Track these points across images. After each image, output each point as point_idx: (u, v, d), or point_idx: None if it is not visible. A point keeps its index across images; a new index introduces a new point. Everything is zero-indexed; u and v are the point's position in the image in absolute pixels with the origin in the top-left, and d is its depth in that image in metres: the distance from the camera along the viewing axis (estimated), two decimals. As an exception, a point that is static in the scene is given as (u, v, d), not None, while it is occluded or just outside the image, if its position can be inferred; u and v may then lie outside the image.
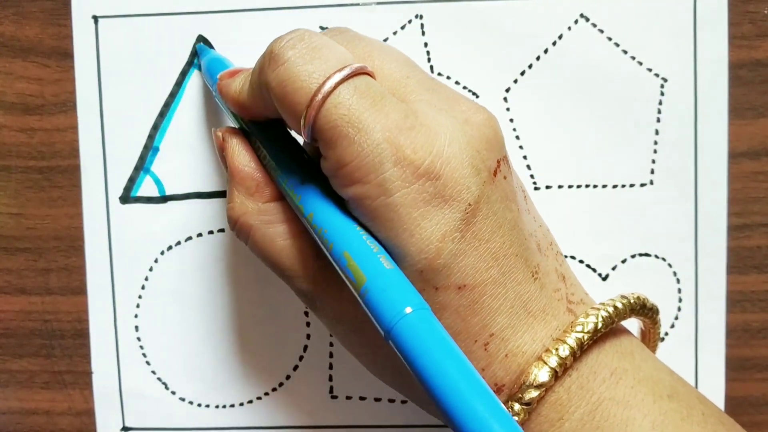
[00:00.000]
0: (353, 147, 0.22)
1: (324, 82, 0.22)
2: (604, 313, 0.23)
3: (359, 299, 0.21)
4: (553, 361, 0.22)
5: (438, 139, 0.22)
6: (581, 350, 0.23)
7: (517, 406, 0.22)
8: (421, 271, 0.22)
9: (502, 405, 0.19)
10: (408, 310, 0.20)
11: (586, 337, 0.23)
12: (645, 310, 0.25)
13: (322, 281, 0.25)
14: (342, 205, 0.23)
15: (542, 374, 0.22)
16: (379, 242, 0.22)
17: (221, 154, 0.27)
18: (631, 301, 0.24)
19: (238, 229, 0.26)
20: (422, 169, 0.21)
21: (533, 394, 0.22)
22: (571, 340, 0.23)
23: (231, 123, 0.28)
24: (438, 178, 0.22)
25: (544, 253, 0.24)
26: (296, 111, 0.22)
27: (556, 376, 0.22)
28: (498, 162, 0.23)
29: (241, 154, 0.26)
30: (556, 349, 0.22)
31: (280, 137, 0.26)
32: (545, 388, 0.22)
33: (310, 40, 0.23)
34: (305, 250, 0.25)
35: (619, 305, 0.24)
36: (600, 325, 0.23)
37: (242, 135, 0.27)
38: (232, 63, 0.31)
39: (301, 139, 0.25)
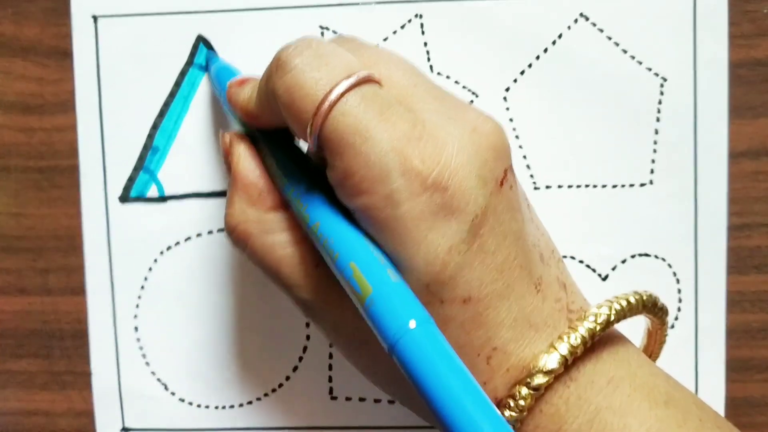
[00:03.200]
0: (360, 157, 0.21)
1: (331, 90, 0.22)
2: (617, 306, 0.23)
3: (362, 311, 0.21)
4: (564, 349, 0.22)
5: (446, 149, 0.22)
6: (592, 340, 0.23)
7: (524, 391, 0.22)
8: (427, 285, 0.22)
9: (508, 425, 0.19)
10: (412, 324, 0.20)
11: (598, 328, 0.23)
12: (656, 309, 0.25)
13: (323, 291, 0.24)
14: (348, 216, 0.23)
15: (551, 361, 0.22)
16: (385, 254, 0.22)
17: (226, 159, 0.27)
18: (644, 297, 0.24)
19: (235, 237, 0.26)
20: (430, 181, 0.21)
21: (541, 379, 0.22)
22: (583, 329, 0.22)
23: (237, 128, 0.28)
24: (446, 189, 0.21)
25: (547, 262, 0.24)
26: (303, 119, 0.22)
27: (566, 364, 0.22)
28: (505, 171, 0.23)
29: (246, 161, 0.26)
30: (568, 337, 0.22)
31: (288, 146, 0.26)
32: (554, 375, 0.22)
33: (317, 47, 0.23)
34: (305, 259, 0.25)
35: (632, 300, 0.24)
36: (612, 318, 0.23)
37: (249, 141, 0.27)
38: (240, 71, 0.30)
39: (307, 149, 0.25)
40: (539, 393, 0.22)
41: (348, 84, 0.22)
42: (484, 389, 0.22)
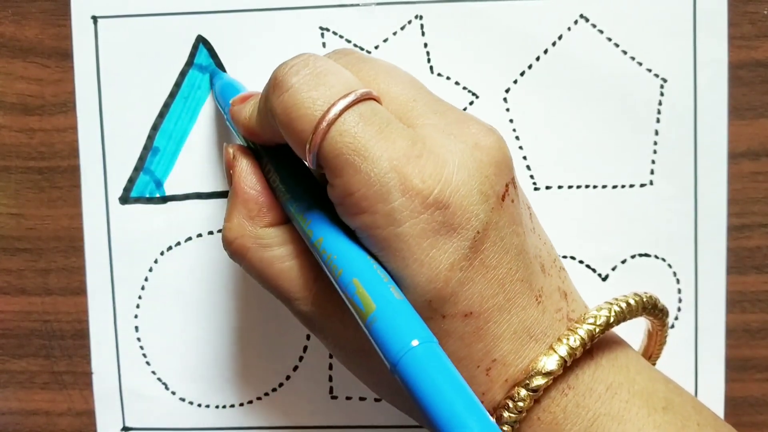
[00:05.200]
0: (359, 176, 0.21)
1: (328, 110, 0.22)
2: (617, 308, 0.23)
3: (364, 328, 0.21)
4: (563, 350, 0.22)
5: (446, 166, 0.21)
6: (591, 342, 0.23)
7: (523, 392, 0.22)
8: (429, 301, 0.22)
9: None
10: (415, 342, 0.19)
11: (597, 330, 0.23)
12: (656, 310, 0.25)
13: (323, 304, 0.24)
14: (351, 234, 0.23)
15: (550, 362, 0.22)
16: (387, 271, 0.22)
17: (228, 172, 0.27)
18: (644, 299, 0.24)
19: (233, 251, 0.26)
20: (431, 199, 0.21)
21: (540, 381, 0.22)
22: (582, 331, 0.23)
23: (241, 141, 0.28)
24: (447, 207, 0.21)
25: (548, 272, 0.24)
26: (301, 139, 0.22)
27: (565, 365, 0.22)
28: (506, 186, 0.23)
29: (248, 175, 0.26)
30: (567, 339, 0.22)
31: (291, 162, 0.26)
32: (552, 376, 0.22)
33: (314, 65, 0.23)
34: (304, 272, 0.25)
35: (632, 302, 0.24)
36: (612, 320, 0.23)
37: (253, 156, 0.27)
38: (244, 87, 0.30)
39: None
40: (537, 395, 0.22)
41: (346, 103, 0.22)
42: (483, 399, 0.23)
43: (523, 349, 0.22)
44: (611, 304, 0.24)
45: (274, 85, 0.23)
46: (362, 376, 0.26)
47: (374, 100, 0.23)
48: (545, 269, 0.24)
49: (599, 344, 0.23)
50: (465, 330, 0.22)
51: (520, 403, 0.22)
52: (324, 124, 0.21)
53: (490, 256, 0.22)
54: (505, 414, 0.22)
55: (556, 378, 0.22)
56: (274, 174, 0.26)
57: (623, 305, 0.23)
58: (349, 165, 0.21)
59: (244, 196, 0.26)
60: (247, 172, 0.26)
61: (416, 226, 0.21)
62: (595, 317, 0.23)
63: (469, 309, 0.22)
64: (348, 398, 0.34)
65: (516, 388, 0.22)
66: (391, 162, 0.21)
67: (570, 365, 0.22)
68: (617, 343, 0.25)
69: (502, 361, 0.22)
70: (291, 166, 0.26)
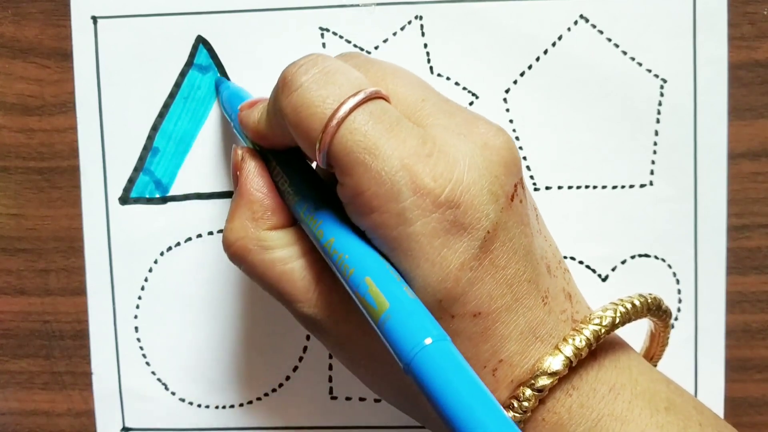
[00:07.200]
0: (370, 174, 0.21)
1: (338, 108, 0.21)
2: (622, 309, 0.23)
3: (376, 327, 0.21)
4: (568, 351, 0.22)
5: (457, 166, 0.21)
6: (597, 343, 0.23)
7: (528, 392, 0.22)
8: (440, 300, 0.22)
9: None
10: (428, 341, 0.19)
11: (603, 331, 0.23)
12: (660, 311, 0.25)
13: (327, 305, 0.24)
14: (360, 234, 0.23)
15: (556, 362, 0.22)
16: (397, 271, 0.22)
17: (234, 173, 0.27)
18: (649, 300, 0.24)
19: (233, 252, 0.25)
20: (442, 198, 0.21)
21: (545, 381, 0.22)
22: (588, 332, 0.23)
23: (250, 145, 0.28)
24: (458, 206, 0.21)
25: (554, 274, 0.24)
26: (311, 137, 0.22)
27: (570, 365, 0.22)
28: (515, 186, 0.23)
29: (255, 178, 0.26)
30: (573, 339, 0.22)
31: (300, 165, 0.26)
32: (557, 376, 0.22)
33: (323, 64, 0.23)
34: (308, 274, 0.24)
35: (637, 303, 0.24)
36: (618, 320, 0.23)
37: (261, 159, 0.27)
38: (250, 94, 0.30)
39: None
40: (542, 395, 0.22)
41: (356, 101, 0.22)
42: None
43: (529, 349, 0.22)
44: (616, 305, 0.24)
45: (284, 84, 0.23)
46: (365, 377, 0.26)
47: (383, 99, 0.22)
48: (551, 270, 0.24)
49: (602, 346, 0.24)
50: (473, 330, 0.22)
51: (525, 403, 0.22)
52: (334, 122, 0.21)
53: (499, 256, 0.22)
54: (510, 414, 0.22)
55: (561, 379, 0.22)
56: (283, 177, 0.26)
57: (628, 306, 0.24)
58: (359, 163, 0.21)
59: (250, 198, 0.25)
60: (254, 174, 0.26)
61: (427, 226, 0.21)
62: (601, 318, 0.23)
63: (478, 309, 0.22)
64: (348, 399, 0.34)
65: (521, 387, 0.22)
66: (402, 160, 0.21)
67: (574, 366, 0.22)
68: (619, 344, 0.25)
69: (508, 362, 0.22)
70: (299, 169, 0.26)
